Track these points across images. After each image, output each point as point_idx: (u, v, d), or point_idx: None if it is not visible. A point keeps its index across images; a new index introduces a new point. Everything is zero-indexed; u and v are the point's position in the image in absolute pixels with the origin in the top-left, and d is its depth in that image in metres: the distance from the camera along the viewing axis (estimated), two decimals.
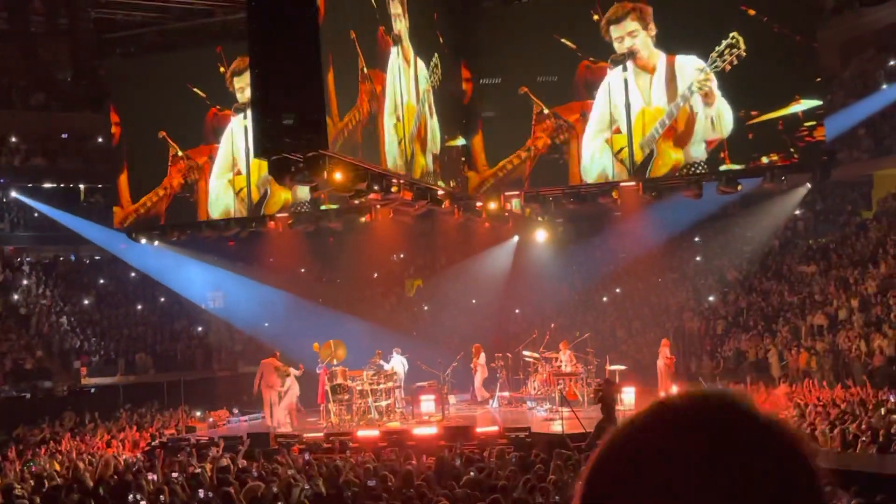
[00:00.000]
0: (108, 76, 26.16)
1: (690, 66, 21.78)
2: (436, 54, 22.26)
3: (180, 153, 24.75)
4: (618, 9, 22.66)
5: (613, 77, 22.68)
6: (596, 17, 22.78)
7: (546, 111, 23.15)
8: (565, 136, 23.09)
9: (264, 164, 23.09)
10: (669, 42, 22.05)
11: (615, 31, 22.73)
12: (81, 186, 37.59)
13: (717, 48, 21.29)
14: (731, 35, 21.20)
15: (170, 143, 24.80)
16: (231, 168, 24.50)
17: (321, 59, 16.49)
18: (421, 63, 21.63)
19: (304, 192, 23.79)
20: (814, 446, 1.19)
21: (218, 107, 24.42)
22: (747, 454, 1.11)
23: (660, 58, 22.14)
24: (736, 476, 1.08)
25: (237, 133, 24.38)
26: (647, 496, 1.10)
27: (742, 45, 21.16)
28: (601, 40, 22.76)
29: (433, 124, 22.10)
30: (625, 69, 22.67)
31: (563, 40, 22.93)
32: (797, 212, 31.75)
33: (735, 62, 21.21)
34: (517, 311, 32.51)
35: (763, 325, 27.57)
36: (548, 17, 23.35)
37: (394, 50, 20.16)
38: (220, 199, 24.59)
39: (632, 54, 22.68)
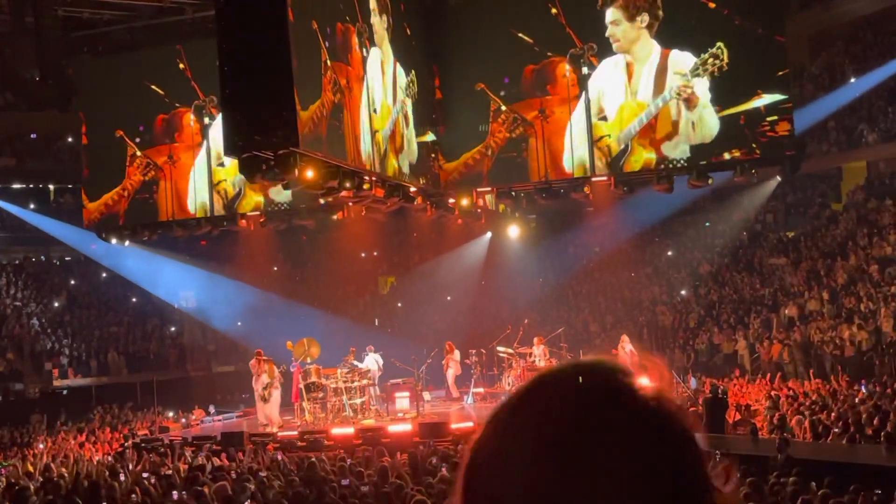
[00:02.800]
0: (76, 75, 25.91)
1: (683, 64, 21.48)
2: (413, 71, 22.21)
3: (139, 153, 24.52)
4: None
5: (603, 66, 22.35)
6: (553, 10, 22.49)
7: (503, 108, 22.98)
8: (523, 133, 22.95)
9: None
10: (667, 36, 21.73)
11: (610, 15, 22.23)
12: (51, 187, 37.30)
13: (702, 56, 21.16)
14: (717, 45, 21.08)
15: (127, 143, 24.57)
16: (213, 162, 24.25)
17: (290, 56, 16.40)
18: (400, 69, 21.53)
19: (277, 194, 23.75)
20: (693, 421, 1.16)
21: (178, 104, 24.18)
22: (620, 425, 1.08)
23: (654, 50, 21.79)
24: (608, 451, 1.05)
25: (216, 130, 24.12)
26: (518, 471, 1.08)
27: (725, 57, 21.03)
28: (560, 35, 22.46)
29: (409, 134, 22.02)
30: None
31: (520, 35, 22.72)
32: (768, 204, 31.99)
33: (716, 73, 21.10)
34: (497, 308, 32.49)
35: (735, 317, 27.75)
36: (506, 13, 23.09)
37: (373, 50, 20.09)
38: (198, 193, 24.33)
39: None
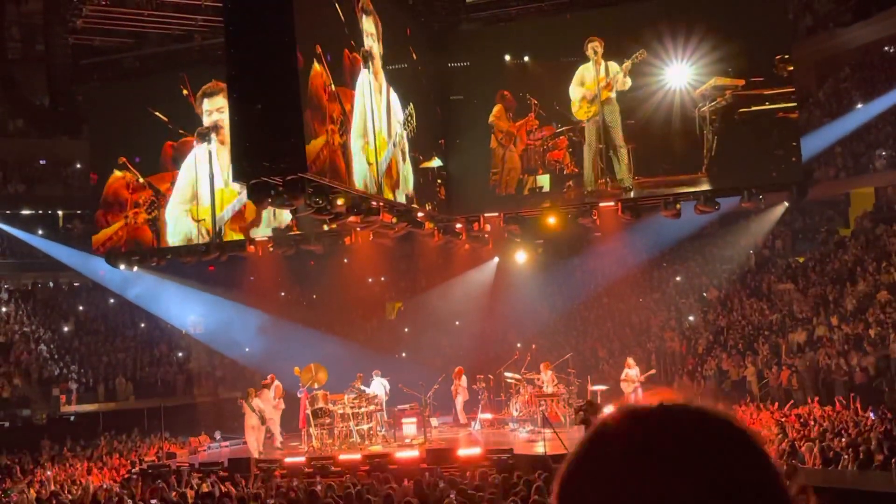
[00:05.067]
0: (86, 102, 26.09)
1: None
2: (411, 104, 22.30)
3: (141, 180, 24.65)
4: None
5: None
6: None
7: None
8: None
9: (227, 200, 23.27)
10: None
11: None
12: (60, 212, 37.45)
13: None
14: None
15: (131, 169, 24.71)
16: (192, 198, 24.34)
17: (298, 82, 16.49)
18: (395, 99, 21.56)
19: (256, 233, 23.99)
20: (777, 459, 1.18)
21: (182, 130, 24.33)
22: (715, 464, 1.12)
23: None
24: (704, 486, 1.09)
25: (201, 160, 24.21)
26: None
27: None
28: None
29: (405, 169, 22.06)
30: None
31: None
32: (776, 230, 31.95)
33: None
34: (504, 333, 32.40)
35: (743, 343, 27.66)
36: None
37: (363, 70, 20.08)
38: (177, 226, 24.46)
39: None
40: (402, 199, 21.74)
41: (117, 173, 24.86)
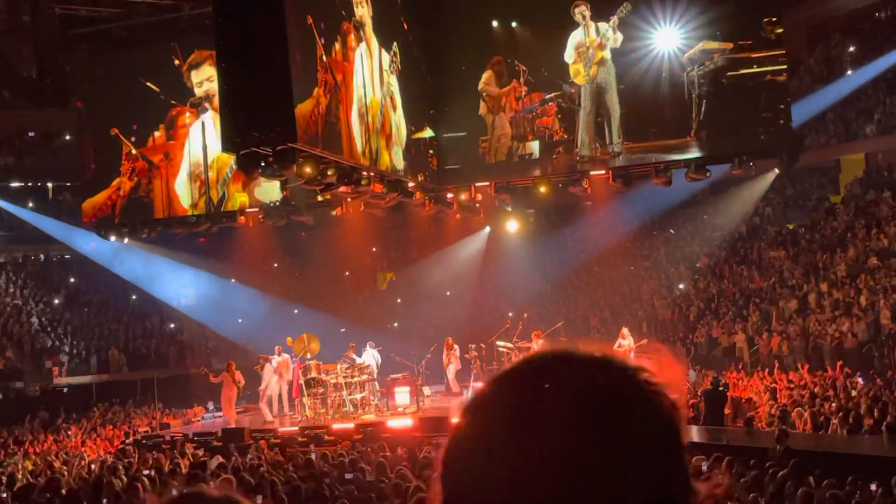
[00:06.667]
0: (74, 73, 25.89)
1: None
2: (395, 42, 22.13)
3: (134, 151, 24.54)
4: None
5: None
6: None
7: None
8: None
9: (224, 162, 23.14)
10: None
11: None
12: (49, 184, 37.27)
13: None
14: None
15: (123, 141, 24.58)
16: (193, 167, 24.29)
17: (288, 52, 16.41)
18: (384, 53, 21.49)
19: (262, 195, 23.88)
20: (677, 404, 1.14)
21: (173, 102, 24.21)
22: (618, 417, 1.06)
23: None
24: (601, 434, 1.04)
25: (197, 130, 24.15)
26: (502, 447, 1.06)
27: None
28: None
29: (397, 118, 21.97)
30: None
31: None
32: (767, 197, 31.98)
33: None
34: (496, 302, 32.44)
35: (734, 310, 27.76)
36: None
37: (356, 39, 19.98)
38: (184, 199, 24.43)
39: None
40: (398, 156, 21.69)
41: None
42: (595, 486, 1.03)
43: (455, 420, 1.17)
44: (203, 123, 23.76)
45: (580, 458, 1.03)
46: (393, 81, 21.81)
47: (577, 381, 1.09)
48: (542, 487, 1.03)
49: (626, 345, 23.32)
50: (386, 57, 21.52)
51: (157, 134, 24.51)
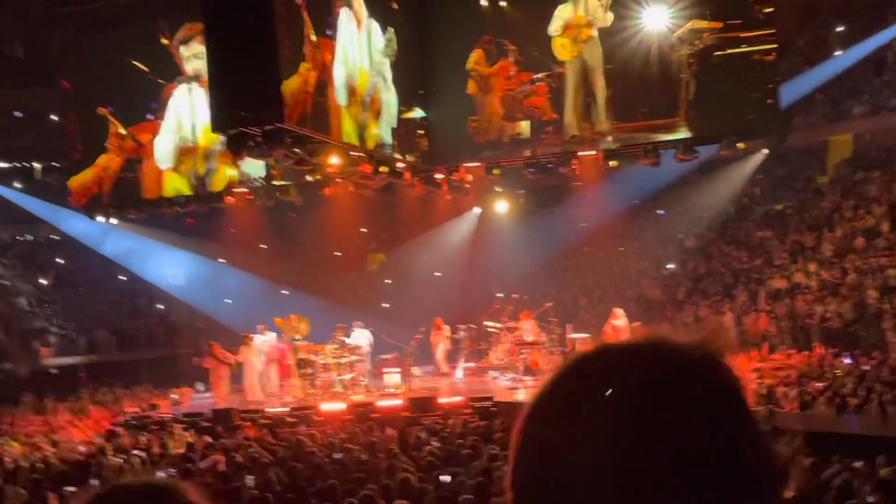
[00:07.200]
0: (60, 52, 25.72)
1: None
2: (390, 28, 22.05)
3: (122, 130, 24.41)
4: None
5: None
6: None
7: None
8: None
9: (211, 138, 22.96)
10: None
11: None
12: (36, 165, 37.05)
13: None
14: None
15: (110, 121, 24.44)
16: (179, 141, 24.16)
17: (276, 32, 16.34)
18: (375, 27, 21.35)
19: (250, 169, 23.77)
20: (745, 384, 1.16)
21: (161, 81, 24.07)
22: (683, 392, 1.09)
23: None
24: (672, 414, 1.07)
25: (183, 105, 24.01)
26: (581, 432, 1.08)
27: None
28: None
29: (388, 98, 21.89)
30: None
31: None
32: (755, 177, 32.02)
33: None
34: (486, 283, 32.45)
35: (722, 290, 27.86)
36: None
37: (343, 11, 19.84)
38: (170, 177, 24.32)
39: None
40: (386, 131, 21.64)
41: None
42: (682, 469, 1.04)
43: (546, 380, 1.18)
44: (192, 99, 23.62)
45: (658, 447, 1.05)
46: (386, 63, 21.73)
47: (684, 369, 1.12)
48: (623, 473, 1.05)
49: (620, 325, 23.30)
50: (379, 37, 21.41)
51: (149, 116, 24.41)
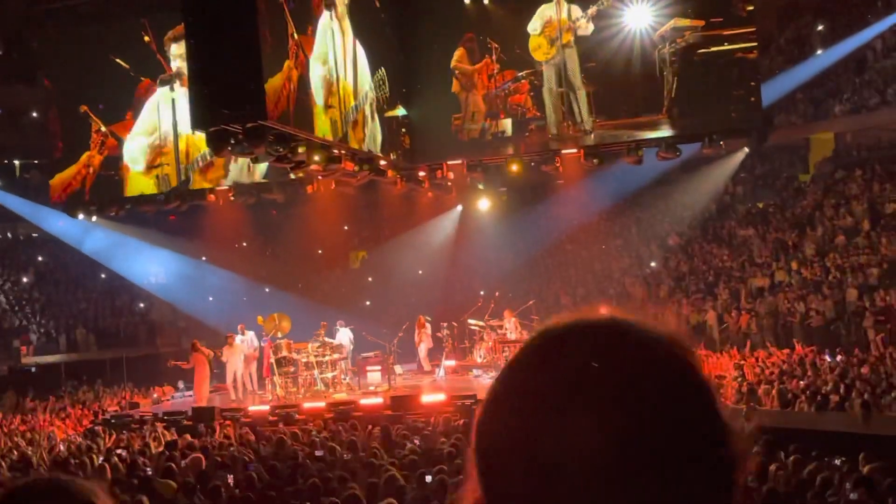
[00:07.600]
0: (41, 49, 25.54)
1: None
2: (382, 69, 22.07)
3: (103, 128, 24.25)
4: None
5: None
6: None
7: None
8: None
9: (194, 145, 22.89)
10: None
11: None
12: (16, 162, 36.78)
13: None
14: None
15: (92, 118, 24.29)
16: (153, 145, 24.00)
17: (258, 29, 16.26)
18: (361, 53, 21.30)
19: (238, 174, 23.73)
20: (700, 364, 1.12)
21: (143, 77, 23.92)
22: (652, 386, 1.05)
23: None
24: (641, 408, 1.02)
25: (163, 106, 23.86)
26: (547, 425, 1.03)
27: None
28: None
29: (373, 127, 21.89)
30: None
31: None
32: (737, 176, 32.13)
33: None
34: (468, 281, 32.45)
35: (704, 288, 27.94)
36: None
37: (326, 13, 19.78)
38: (136, 178, 24.18)
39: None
40: (374, 131, 21.67)
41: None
42: (652, 466, 1.00)
43: (490, 392, 1.11)
44: (174, 100, 23.47)
45: (630, 440, 1.01)
46: (375, 99, 21.79)
47: (628, 357, 1.08)
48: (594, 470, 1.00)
49: None
50: (365, 63, 21.40)
51: (128, 113, 24.24)
